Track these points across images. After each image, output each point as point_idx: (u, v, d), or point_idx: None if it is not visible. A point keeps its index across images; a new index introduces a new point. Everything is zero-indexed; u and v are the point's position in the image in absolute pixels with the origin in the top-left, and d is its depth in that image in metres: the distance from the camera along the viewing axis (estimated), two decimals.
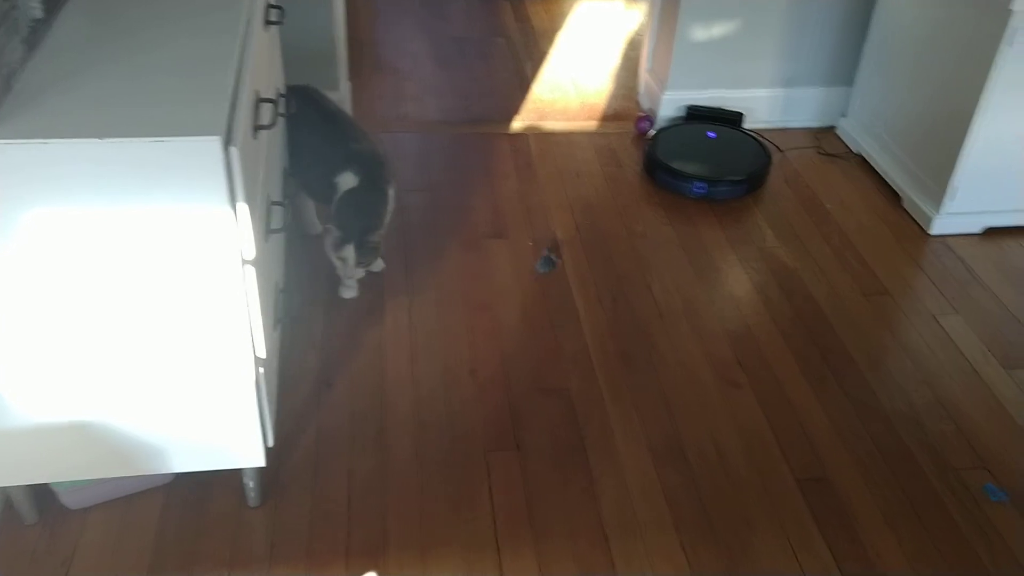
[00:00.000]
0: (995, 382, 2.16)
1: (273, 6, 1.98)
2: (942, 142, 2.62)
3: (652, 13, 3.24)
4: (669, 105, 3.15)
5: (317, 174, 2.24)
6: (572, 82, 3.51)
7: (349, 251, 2.17)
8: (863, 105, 3.06)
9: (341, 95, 2.98)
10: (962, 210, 2.64)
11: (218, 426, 1.61)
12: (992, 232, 2.70)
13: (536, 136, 3.13)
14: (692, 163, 2.87)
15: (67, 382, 1.50)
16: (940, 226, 2.67)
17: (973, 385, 2.16)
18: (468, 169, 2.92)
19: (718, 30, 3.02)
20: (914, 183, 2.77)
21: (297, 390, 2.06)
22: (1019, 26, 2.32)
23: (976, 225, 2.69)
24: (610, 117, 3.29)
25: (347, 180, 2.17)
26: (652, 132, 3.11)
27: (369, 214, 2.19)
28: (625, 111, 3.33)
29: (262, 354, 1.56)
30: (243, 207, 1.39)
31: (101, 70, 1.46)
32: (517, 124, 3.20)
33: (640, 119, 3.20)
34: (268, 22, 1.92)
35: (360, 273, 2.31)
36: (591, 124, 3.24)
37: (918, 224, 2.73)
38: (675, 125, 3.12)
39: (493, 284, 2.42)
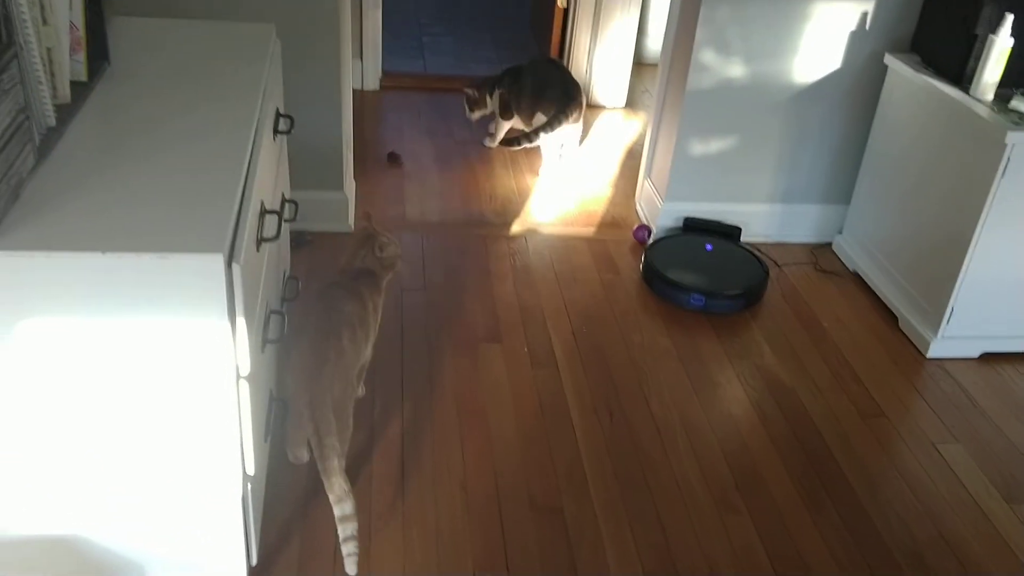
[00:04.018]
0: (998, 517, 2.12)
1: (283, 115, 2.01)
2: (938, 266, 2.64)
3: (652, 124, 3.30)
4: (667, 215, 3.18)
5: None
6: (571, 188, 3.56)
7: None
8: (859, 224, 3.10)
9: (345, 195, 3.00)
10: (959, 334, 2.64)
11: (200, 542, 1.56)
12: (989, 357, 2.70)
13: (534, 239, 3.15)
14: (690, 274, 2.88)
15: (47, 494, 1.46)
16: (937, 349, 2.67)
17: (975, 519, 2.11)
18: (466, 270, 2.92)
19: (717, 144, 3.08)
20: (911, 305, 2.78)
21: (284, 499, 2.01)
22: (1013, 158, 2.37)
23: (974, 350, 2.69)
24: (608, 224, 3.32)
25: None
26: (650, 241, 3.13)
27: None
28: (623, 219, 3.37)
29: (251, 471, 1.52)
30: (241, 322, 1.38)
31: (108, 180, 1.46)
32: (516, 227, 3.23)
33: (638, 228, 3.23)
34: (277, 132, 1.94)
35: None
36: (589, 230, 3.27)
37: (915, 346, 2.72)
38: (673, 235, 3.15)
39: (487, 391, 2.39)
